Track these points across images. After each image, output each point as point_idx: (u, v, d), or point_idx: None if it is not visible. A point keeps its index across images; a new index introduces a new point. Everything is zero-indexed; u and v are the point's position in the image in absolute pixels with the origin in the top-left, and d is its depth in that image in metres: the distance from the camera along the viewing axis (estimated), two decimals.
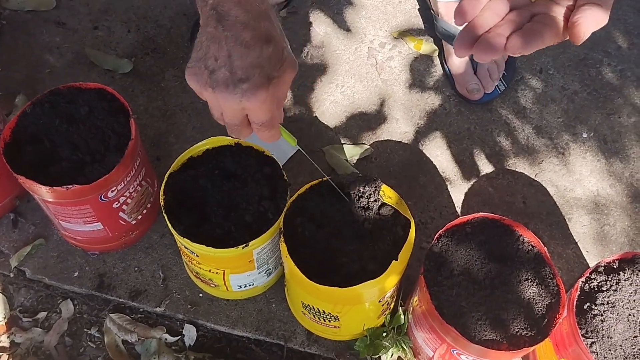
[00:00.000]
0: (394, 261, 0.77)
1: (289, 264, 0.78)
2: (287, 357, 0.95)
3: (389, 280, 0.78)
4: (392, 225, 0.81)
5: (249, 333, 0.96)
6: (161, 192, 0.84)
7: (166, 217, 0.82)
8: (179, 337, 0.96)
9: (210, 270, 0.88)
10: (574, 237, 1.05)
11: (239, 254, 0.82)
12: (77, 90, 0.92)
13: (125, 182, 0.89)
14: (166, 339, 0.96)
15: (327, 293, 0.77)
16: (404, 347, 0.91)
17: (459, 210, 1.07)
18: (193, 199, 0.85)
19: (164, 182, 0.85)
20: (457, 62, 1.16)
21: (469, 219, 0.83)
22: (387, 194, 0.84)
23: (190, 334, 0.96)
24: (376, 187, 0.83)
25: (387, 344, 0.91)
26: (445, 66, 1.20)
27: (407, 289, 0.94)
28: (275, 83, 0.63)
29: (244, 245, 0.81)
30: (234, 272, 0.88)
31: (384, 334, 0.92)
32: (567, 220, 1.06)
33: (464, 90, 1.16)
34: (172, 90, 1.18)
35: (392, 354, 0.92)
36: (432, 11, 1.21)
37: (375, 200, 0.83)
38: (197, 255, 0.84)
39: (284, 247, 0.79)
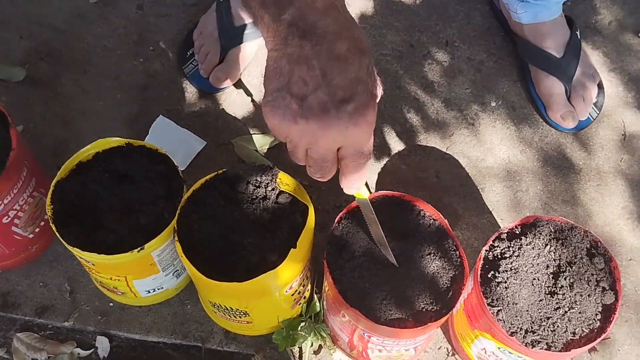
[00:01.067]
0: (292, 249, 0.75)
1: (186, 264, 0.75)
2: (207, 358, 0.92)
3: (290, 269, 0.76)
4: (290, 213, 0.79)
5: (165, 338, 0.93)
6: (48, 202, 0.80)
7: (54, 228, 0.78)
8: (92, 350, 0.92)
9: (111, 278, 0.84)
10: (488, 207, 1.04)
11: (136, 259, 0.79)
12: None
13: (13, 195, 0.84)
14: (79, 354, 0.92)
15: (227, 289, 0.74)
16: (322, 335, 0.89)
17: (373, 190, 1.06)
18: (84, 205, 0.81)
19: (51, 191, 0.81)
20: (549, 85, 1.09)
21: (369, 199, 0.81)
22: (285, 181, 0.81)
23: (103, 345, 0.93)
24: (273, 175, 0.81)
25: (304, 333, 0.89)
26: (534, 92, 1.13)
27: (322, 275, 0.92)
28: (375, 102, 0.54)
29: (139, 249, 0.78)
30: (137, 277, 0.85)
31: (302, 324, 0.90)
32: (480, 190, 1.06)
33: (557, 117, 1.09)
34: (70, 95, 1.13)
35: (312, 343, 0.90)
36: (514, 35, 1.16)
37: (273, 189, 0.81)
38: (94, 264, 0.80)
39: (178, 247, 0.76)
